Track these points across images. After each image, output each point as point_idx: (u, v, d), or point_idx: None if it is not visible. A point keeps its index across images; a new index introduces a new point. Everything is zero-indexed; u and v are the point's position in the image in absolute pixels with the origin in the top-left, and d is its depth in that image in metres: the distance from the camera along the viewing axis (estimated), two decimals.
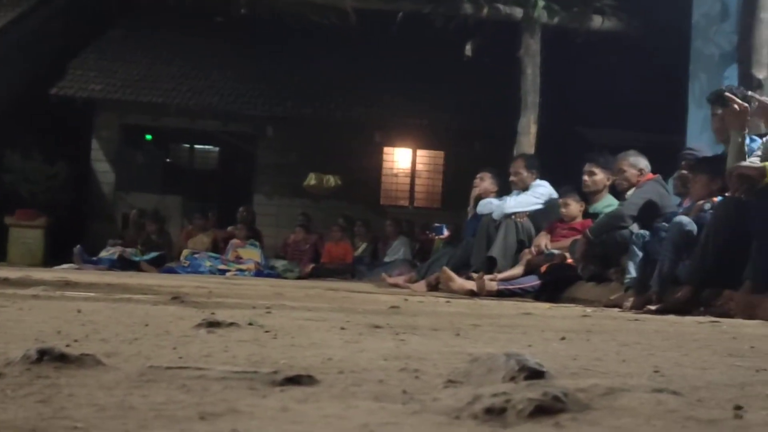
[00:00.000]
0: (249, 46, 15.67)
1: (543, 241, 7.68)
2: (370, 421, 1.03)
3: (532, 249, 7.69)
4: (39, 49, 15.35)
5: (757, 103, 5.25)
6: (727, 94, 5.44)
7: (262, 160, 16.00)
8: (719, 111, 5.90)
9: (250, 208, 14.49)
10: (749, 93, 5.73)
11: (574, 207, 7.74)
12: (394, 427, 1.00)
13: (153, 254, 12.70)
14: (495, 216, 8.28)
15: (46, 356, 1.49)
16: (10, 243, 13.35)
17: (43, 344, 1.60)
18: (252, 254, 12.93)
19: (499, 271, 7.73)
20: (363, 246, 13.82)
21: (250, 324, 2.56)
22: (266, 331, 2.40)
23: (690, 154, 6.58)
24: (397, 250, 13.05)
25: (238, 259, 12.77)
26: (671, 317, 4.39)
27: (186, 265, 12.35)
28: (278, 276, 12.19)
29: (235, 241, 13.11)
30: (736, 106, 5.22)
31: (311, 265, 13.22)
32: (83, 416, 1.08)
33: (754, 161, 4.84)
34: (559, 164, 9.09)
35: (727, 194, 5.06)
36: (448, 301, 5.53)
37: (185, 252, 12.81)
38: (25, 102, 14.32)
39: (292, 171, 15.53)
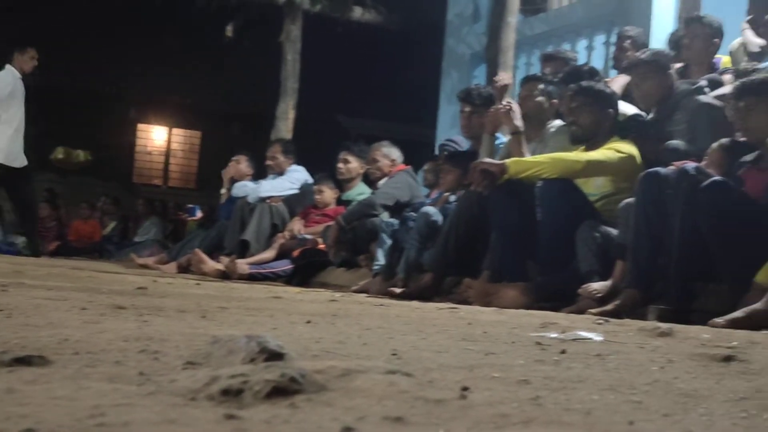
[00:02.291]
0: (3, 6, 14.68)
1: (296, 226, 7.75)
2: (102, 403, 1.00)
3: (285, 233, 7.74)
4: None
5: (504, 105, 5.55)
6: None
7: None
8: (467, 108, 6.20)
9: None
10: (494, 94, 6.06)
11: (328, 194, 7.86)
12: (127, 408, 0.98)
13: None
14: (250, 199, 8.26)
15: None
16: None
17: None
18: None
19: (252, 255, 7.73)
20: (112, 225, 13.37)
21: None
22: (0, 310, 2.27)
23: (449, 145, 6.84)
24: (149, 230, 12.72)
25: None
26: (414, 303, 4.55)
27: None
28: (18, 253, 11.55)
29: None
30: (496, 109, 5.53)
31: (56, 243, 12.62)
32: None
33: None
34: (316, 151, 9.21)
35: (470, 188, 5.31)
36: (198, 284, 5.46)
37: None
38: None
39: (37, 143, 14.73)
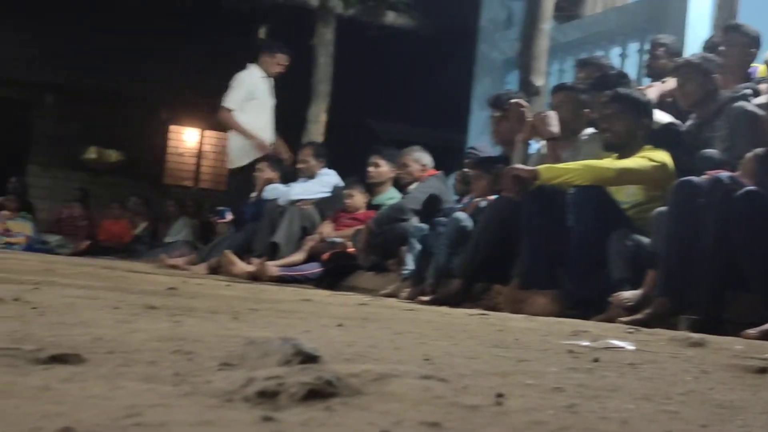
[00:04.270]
0: (33, 9, 14.82)
1: (326, 229, 7.77)
2: (138, 403, 1.00)
3: (315, 236, 7.75)
4: None
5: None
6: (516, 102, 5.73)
7: (38, 130, 15.20)
8: (498, 114, 6.19)
9: (22, 179, 13.76)
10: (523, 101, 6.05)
11: (358, 197, 7.87)
12: (163, 409, 0.98)
13: None
14: (280, 202, 8.28)
15: None
16: None
17: None
18: (23, 227, 12.29)
19: (282, 257, 7.74)
20: (143, 225, 13.46)
21: (16, 300, 2.43)
22: (33, 308, 2.28)
23: (473, 153, 6.86)
24: (179, 231, 12.78)
25: (7, 232, 12.10)
26: (444, 308, 4.54)
27: None
28: (51, 251, 11.66)
29: (4, 212, 12.41)
30: (528, 115, 5.52)
31: (87, 242, 12.73)
32: None
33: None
34: (347, 155, 9.21)
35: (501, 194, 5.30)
36: (228, 285, 5.48)
37: None
38: None
39: (71, 143, 14.86)
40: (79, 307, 2.48)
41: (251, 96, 9.01)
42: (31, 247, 11.78)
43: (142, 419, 0.92)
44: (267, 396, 1.03)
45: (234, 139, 9.19)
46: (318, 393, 1.05)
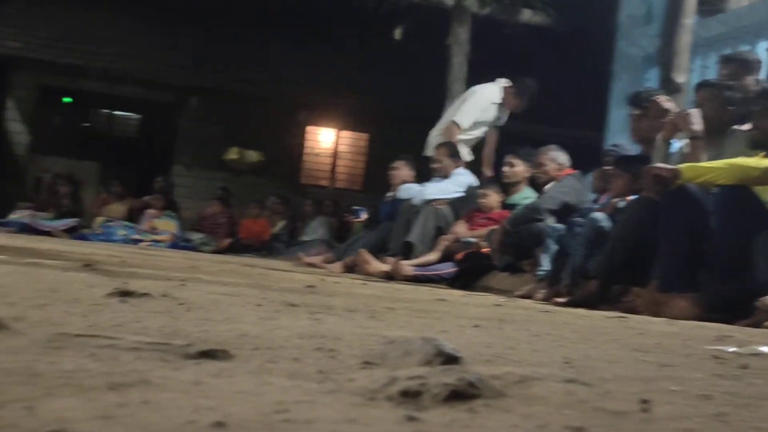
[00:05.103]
0: (179, 14, 15.37)
1: (461, 229, 7.76)
2: (285, 399, 1.03)
3: (450, 236, 7.76)
4: None
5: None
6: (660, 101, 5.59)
7: (183, 131, 15.76)
8: (637, 112, 6.04)
9: (168, 179, 14.29)
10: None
11: (492, 197, 7.83)
12: (309, 406, 1.00)
13: (66, 220, 12.44)
14: (415, 201, 8.32)
15: None
16: None
17: None
18: (168, 225, 12.77)
19: (416, 257, 7.78)
20: (281, 224, 13.76)
21: (164, 295, 2.52)
22: (180, 304, 2.36)
23: (613, 151, 6.72)
24: (316, 229, 13.02)
25: (154, 230, 12.58)
26: (580, 310, 4.47)
27: (100, 232, 12.12)
28: (194, 249, 12.06)
29: (151, 211, 12.92)
30: (671, 114, 5.38)
31: (228, 240, 13.11)
32: None
33: None
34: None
35: (641, 194, 5.17)
36: (363, 283, 5.54)
37: (99, 219, 12.58)
38: None
39: (213, 143, 15.35)
40: (223, 303, 2.55)
41: (479, 118, 8.91)
42: (176, 244, 12.21)
43: (289, 415, 0.94)
44: (410, 396, 1.04)
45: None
46: (460, 394, 1.05)
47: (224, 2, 14.17)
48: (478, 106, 8.85)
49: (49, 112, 15.69)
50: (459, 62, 11.24)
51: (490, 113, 8.90)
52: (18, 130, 15.17)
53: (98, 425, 0.86)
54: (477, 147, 9.05)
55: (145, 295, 2.40)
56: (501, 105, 8.88)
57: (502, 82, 8.87)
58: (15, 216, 12.32)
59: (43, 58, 14.86)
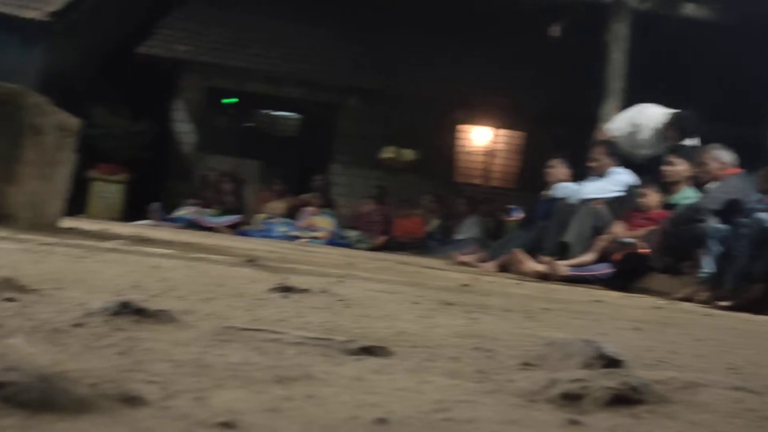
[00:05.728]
0: (338, 16, 15.67)
1: (618, 229, 7.59)
2: (445, 398, 1.04)
3: (607, 236, 7.60)
4: (129, 8, 15.59)
5: None
6: None
7: (341, 130, 16.03)
8: None
9: (326, 177, 14.58)
10: None
11: (652, 197, 7.62)
12: (470, 406, 1.01)
13: (229, 217, 12.89)
14: (571, 201, 8.19)
15: (125, 309, 1.52)
16: (90, 196, 13.65)
17: (122, 297, 1.63)
18: (326, 223, 13.03)
19: (572, 257, 7.66)
20: (435, 222, 13.81)
21: (323, 292, 2.57)
22: (339, 300, 2.41)
23: None
24: (469, 228, 13.00)
25: (311, 227, 12.87)
26: (744, 315, 4.30)
27: (260, 229, 12.50)
28: (350, 246, 12.25)
29: (309, 208, 13.21)
30: None
31: (383, 237, 13.26)
32: (160, 371, 1.10)
33: None
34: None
35: None
36: (518, 283, 5.51)
37: (261, 216, 12.97)
38: (113, 60, 14.58)
39: (370, 142, 15.54)
40: (381, 300, 2.59)
41: (635, 134, 8.68)
42: (333, 241, 12.44)
43: (450, 414, 0.95)
44: (570, 399, 1.03)
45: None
46: (623, 399, 1.03)
47: (383, 4, 14.31)
48: (627, 121, 8.63)
49: (215, 113, 16.28)
50: (618, 59, 10.97)
51: (644, 131, 8.64)
52: (186, 131, 15.81)
53: (266, 418, 0.89)
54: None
55: (305, 290, 2.46)
56: (660, 134, 8.56)
57: (666, 110, 8.58)
58: (182, 212, 12.86)
59: (211, 61, 15.44)
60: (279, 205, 13.53)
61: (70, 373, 0.98)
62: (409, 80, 15.34)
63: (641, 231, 7.37)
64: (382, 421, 0.90)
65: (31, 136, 5.34)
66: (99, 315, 1.49)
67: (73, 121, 6.17)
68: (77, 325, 1.38)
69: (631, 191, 8.03)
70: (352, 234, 13.20)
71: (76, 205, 11.04)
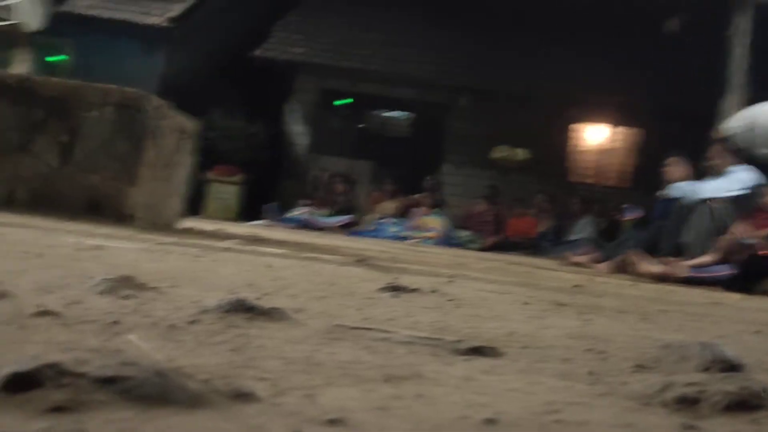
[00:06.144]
0: (449, 17, 15.67)
1: (740, 229, 7.34)
2: (556, 399, 1.02)
3: (728, 237, 7.36)
4: (245, 12, 15.94)
5: None
6: None
7: (452, 130, 16.01)
8: None
9: (437, 177, 14.59)
10: None
11: None
12: (581, 408, 0.99)
13: (341, 217, 13.03)
14: (689, 200, 7.97)
15: (238, 307, 1.55)
16: (208, 197, 14.01)
17: (236, 295, 1.66)
18: (436, 223, 13.04)
19: (690, 257, 7.45)
20: (548, 222, 13.66)
21: (433, 291, 2.57)
22: (449, 300, 2.40)
23: None
24: (583, 228, 12.81)
25: (423, 227, 12.89)
26: None
27: (371, 229, 12.59)
28: (461, 246, 12.23)
29: (421, 209, 13.24)
30: None
31: (494, 238, 13.19)
32: (272, 368, 1.12)
33: None
34: None
35: None
36: (632, 284, 5.39)
37: (372, 216, 13.07)
38: (230, 63, 14.92)
39: (481, 142, 15.48)
40: (491, 301, 2.57)
41: (754, 132, 8.51)
42: (443, 241, 12.44)
43: (562, 416, 0.93)
44: (686, 403, 1.00)
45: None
46: (743, 404, 0.99)
47: (493, 5, 14.23)
48: (745, 120, 8.34)
49: (328, 114, 16.48)
50: (740, 54, 10.64)
51: (761, 132, 8.33)
52: (300, 132, 16.05)
53: (375, 416, 0.89)
54: None
55: (415, 290, 2.46)
56: None
57: None
58: (295, 213, 13.07)
59: (325, 62, 15.64)
60: (390, 206, 13.61)
61: (185, 368, 1.01)
62: (522, 79, 15.21)
63: (765, 231, 7.13)
64: (491, 421, 0.89)
65: (151, 139, 5.51)
66: (213, 312, 1.52)
67: (191, 124, 6.35)
68: (192, 322, 1.41)
69: (754, 190, 7.76)
70: (464, 234, 13.17)
71: (194, 206, 11.36)
